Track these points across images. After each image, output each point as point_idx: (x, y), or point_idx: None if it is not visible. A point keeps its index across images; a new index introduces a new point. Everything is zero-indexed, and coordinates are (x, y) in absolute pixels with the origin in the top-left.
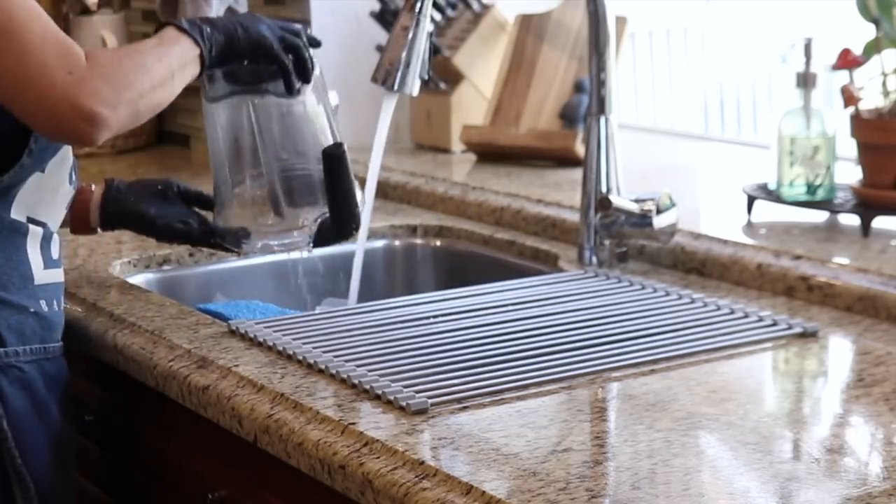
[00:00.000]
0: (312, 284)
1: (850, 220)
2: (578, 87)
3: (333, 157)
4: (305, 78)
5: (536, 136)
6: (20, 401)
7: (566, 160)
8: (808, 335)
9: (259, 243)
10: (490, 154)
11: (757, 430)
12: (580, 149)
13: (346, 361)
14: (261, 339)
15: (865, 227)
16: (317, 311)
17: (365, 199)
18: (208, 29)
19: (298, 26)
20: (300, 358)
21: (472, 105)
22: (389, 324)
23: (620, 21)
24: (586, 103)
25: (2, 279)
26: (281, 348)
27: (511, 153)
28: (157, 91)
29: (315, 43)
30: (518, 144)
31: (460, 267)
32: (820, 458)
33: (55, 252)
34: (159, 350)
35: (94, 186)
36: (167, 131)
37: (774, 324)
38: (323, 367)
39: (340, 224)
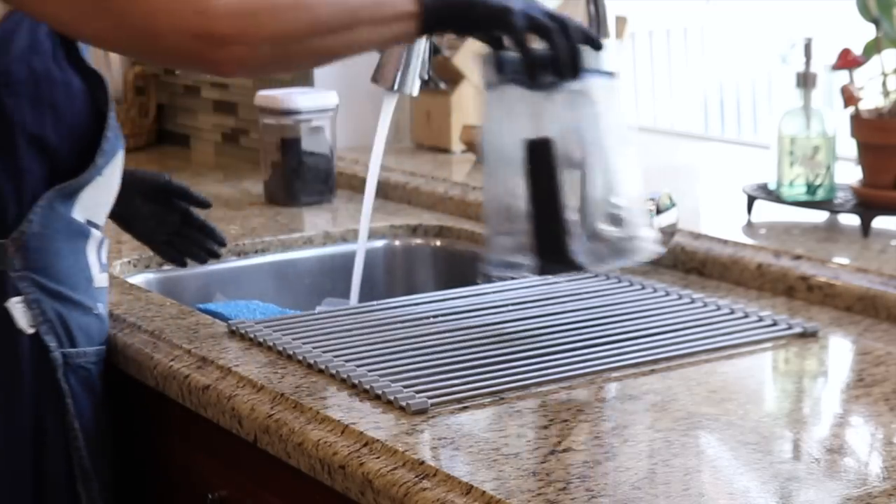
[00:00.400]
0: (312, 284)
1: (850, 220)
2: None
3: (541, 147)
4: (558, 71)
5: None
6: (86, 402)
7: None
8: (808, 335)
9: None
10: None
11: (757, 430)
12: None
13: (346, 361)
14: (261, 339)
15: (865, 227)
16: (317, 311)
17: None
18: None
19: (570, 17)
20: (300, 358)
21: (472, 105)
22: (389, 324)
23: (620, 21)
24: None
25: (71, 280)
26: (281, 348)
27: None
28: (325, 38)
29: (594, 43)
30: None
31: (460, 267)
32: (820, 458)
33: (104, 256)
34: (159, 350)
35: None
36: (167, 131)
37: (774, 324)
38: (323, 367)
39: (548, 245)
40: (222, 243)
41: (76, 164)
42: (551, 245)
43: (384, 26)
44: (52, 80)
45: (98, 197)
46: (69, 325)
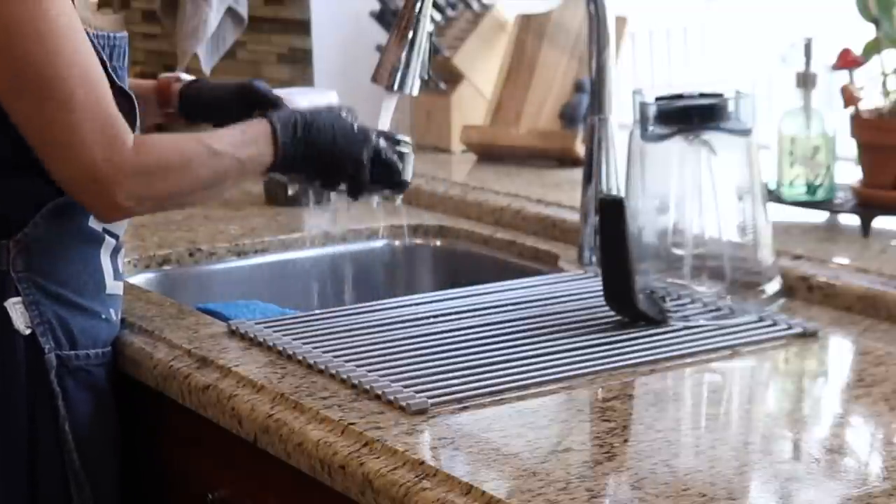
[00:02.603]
0: (312, 284)
1: (850, 220)
2: (578, 87)
3: (614, 206)
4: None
5: (536, 136)
6: (84, 404)
7: (566, 160)
8: (808, 335)
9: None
10: (490, 154)
11: (757, 430)
12: (580, 149)
13: (346, 361)
14: (261, 339)
15: (865, 227)
16: (316, 312)
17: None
18: (295, 145)
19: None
20: (300, 358)
21: (472, 105)
22: (389, 324)
23: (620, 21)
24: (586, 103)
25: (79, 285)
26: (281, 348)
27: (511, 153)
28: (196, 195)
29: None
30: (518, 144)
31: (460, 267)
32: (820, 458)
33: (121, 265)
34: (159, 350)
35: (179, 75)
36: (167, 130)
37: (774, 324)
38: (323, 367)
39: (618, 303)
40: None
41: None
42: (620, 295)
43: (244, 179)
44: None
45: None
46: (71, 328)
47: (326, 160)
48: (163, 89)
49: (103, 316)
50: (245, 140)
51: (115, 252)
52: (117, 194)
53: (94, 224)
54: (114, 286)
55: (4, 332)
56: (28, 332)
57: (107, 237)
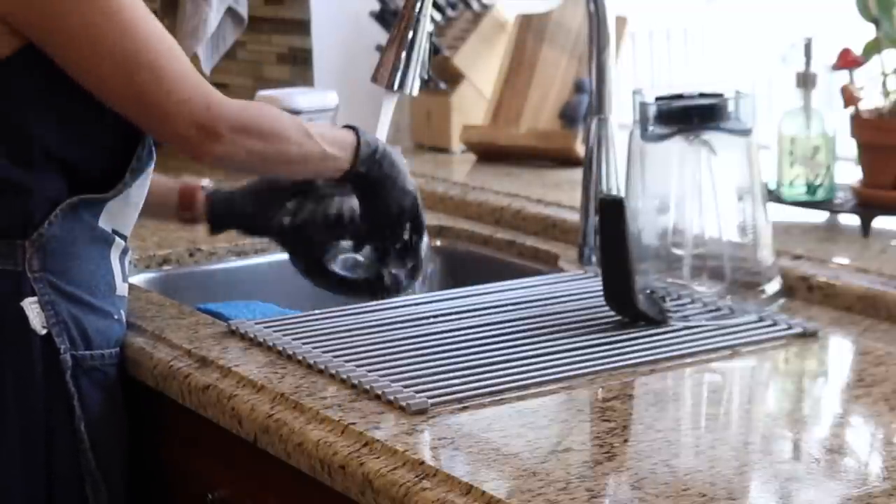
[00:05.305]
0: (312, 284)
1: (850, 220)
2: (578, 87)
3: (614, 206)
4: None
5: (536, 136)
6: (98, 404)
7: (566, 160)
8: (808, 335)
9: None
10: (490, 154)
11: (757, 430)
12: (580, 149)
13: (346, 361)
14: (261, 339)
15: (865, 227)
16: (316, 312)
17: None
18: (369, 164)
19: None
20: (300, 358)
21: (472, 105)
22: (389, 324)
23: (620, 21)
24: (586, 103)
25: (92, 285)
26: (281, 348)
27: (511, 153)
28: (279, 167)
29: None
30: (518, 144)
31: (460, 267)
32: (820, 458)
33: (127, 267)
34: (159, 350)
35: (203, 183)
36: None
37: (774, 324)
38: (323, 367)
39: (618, 303)
40: None
41: (102, 177)
42: (620, 295)
43: (318, 173)
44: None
45: (127, 209)
46: (86, 327)
47: (385, 194)
48: (187, 195)
49: (115, 316)
50: (333, 139)
51: (123, 254)
52: (221, 140)
53: (104, 224)
54: (122, 288)
55: (21, 332)
56: (44, 332)
57: (116, 238)
